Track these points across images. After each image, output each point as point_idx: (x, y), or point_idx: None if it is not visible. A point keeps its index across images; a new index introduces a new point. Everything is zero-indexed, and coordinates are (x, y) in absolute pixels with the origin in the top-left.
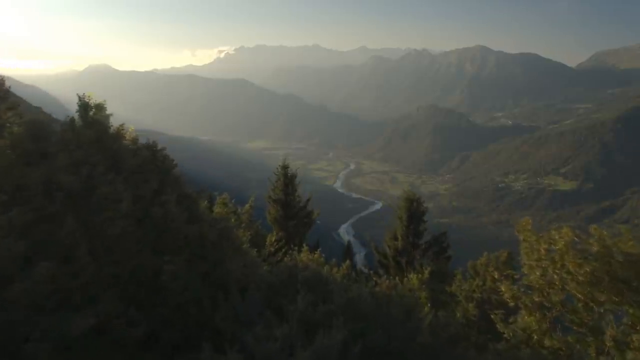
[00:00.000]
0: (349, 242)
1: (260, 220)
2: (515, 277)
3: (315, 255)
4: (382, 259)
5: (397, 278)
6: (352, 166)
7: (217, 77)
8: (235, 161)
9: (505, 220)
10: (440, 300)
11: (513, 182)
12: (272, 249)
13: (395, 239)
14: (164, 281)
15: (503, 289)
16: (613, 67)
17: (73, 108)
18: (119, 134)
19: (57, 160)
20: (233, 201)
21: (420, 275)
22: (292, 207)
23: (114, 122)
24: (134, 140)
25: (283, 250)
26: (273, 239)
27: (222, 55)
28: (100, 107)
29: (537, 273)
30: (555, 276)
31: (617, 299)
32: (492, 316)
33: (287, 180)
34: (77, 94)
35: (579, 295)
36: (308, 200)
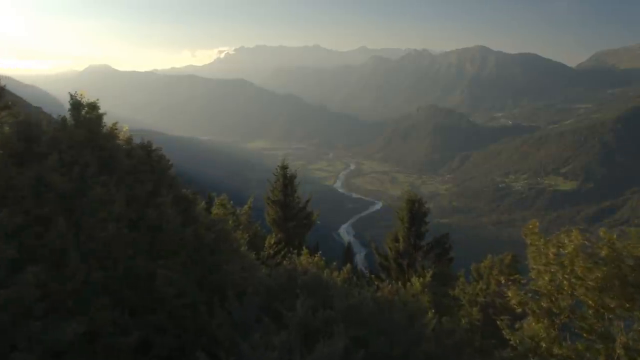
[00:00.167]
0: (349, 243)
1: (259, 221)
2: (522, 281)
3: (316, 258)
4: (383, 261)
5: (399, 281)
6: (352, 166)
7: (217, 77)
8: (235, 161)
9: (506, 221)
10: (443, 304)
11: (513, 182)
12: (271, 251)
13: (397, 240)
14: (158, 285)
15: (510, 295)
16: (613, 67)
17: None
18: (112, 133)
19: (48, 160)
20: (232, 202)
21: (422, 279)
22: (291, 208)
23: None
24: (128, 140)
25: (282, 252)
26: (272, 240)
27: (222, 55)
28: (93, 106)
29: (546, 278)
30: (565, 281)
31: (628, 305)
32: (497, 322)
33: (287, 181)
34: (69, 92)
35: (589, 301)
36: (307, 201)
